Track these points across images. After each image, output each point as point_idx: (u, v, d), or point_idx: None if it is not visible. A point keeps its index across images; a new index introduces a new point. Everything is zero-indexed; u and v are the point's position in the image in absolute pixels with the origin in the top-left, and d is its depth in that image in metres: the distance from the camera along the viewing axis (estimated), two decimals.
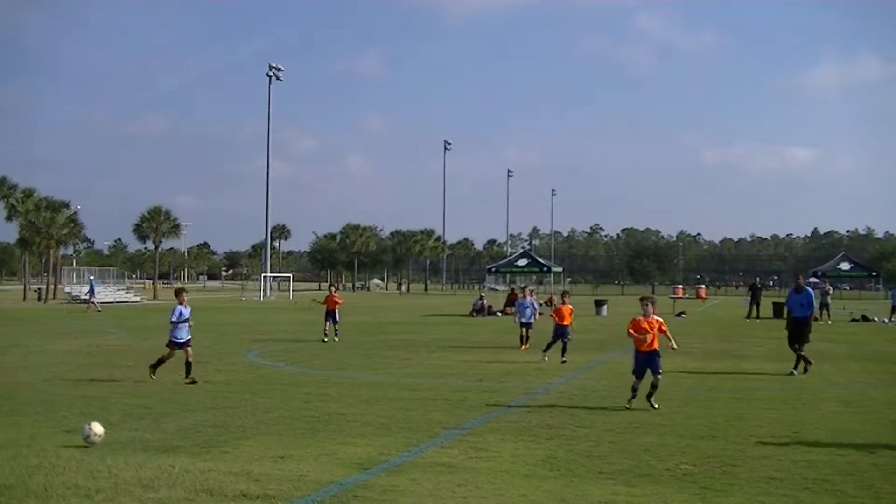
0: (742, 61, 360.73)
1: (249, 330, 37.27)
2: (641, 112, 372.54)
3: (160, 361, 18.93)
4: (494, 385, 18.50)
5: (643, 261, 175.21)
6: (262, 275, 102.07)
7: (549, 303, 56.98)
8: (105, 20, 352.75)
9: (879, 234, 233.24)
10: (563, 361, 22.77)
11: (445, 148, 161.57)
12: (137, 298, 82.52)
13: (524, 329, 27.76)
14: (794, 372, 20.41)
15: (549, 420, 13.83)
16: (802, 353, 20.93)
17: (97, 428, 11.57)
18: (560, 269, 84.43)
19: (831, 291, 53.62)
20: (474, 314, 53.32)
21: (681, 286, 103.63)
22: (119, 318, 48.03)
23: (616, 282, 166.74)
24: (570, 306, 24.49)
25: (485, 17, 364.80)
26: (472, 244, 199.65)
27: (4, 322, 44.14)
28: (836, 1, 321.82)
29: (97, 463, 10.39)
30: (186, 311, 18.97)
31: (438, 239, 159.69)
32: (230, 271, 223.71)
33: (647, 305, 15.54)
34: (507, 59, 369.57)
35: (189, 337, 18.93)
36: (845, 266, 73.57)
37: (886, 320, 47.35)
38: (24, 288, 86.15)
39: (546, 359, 23.16)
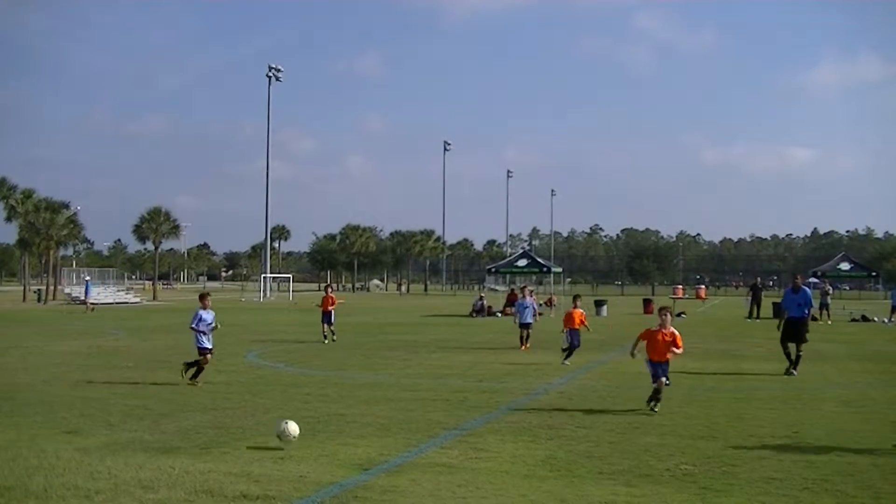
0: (742, 61, 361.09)
1: (249, 331, 37.25)
2: (641, 112, 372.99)
3: (199, 369, 18.55)
4: (494, 385, 18.49)
5: (643, 261, 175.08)
6: (262, 275, 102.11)
7: (549, 303, 57.34)
8: (105, 20, 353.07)
9: (879, 234, 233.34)
10: (564, 363, 22.62)
11: (445, 148, 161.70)
12: (137, 299, 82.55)
13: (523, 330, 27.76)
14: (794, 372, 20.40)
15: (549, 420, 13.82)
16: (800, 353, 20.92)
17: (293, 428, 11.56)
18: (560, 270, 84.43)
19: (831, 291, 53.62)
20: (474, 315, 53.32)
21: (680, 286, 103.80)
22: (119, 319, 48.02)
23: (616, 282, 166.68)
24: (582, 310, 24.18)
25: (484, 18, 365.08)
26: (472, 244, 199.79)
27: (4, 323, 44.11)
28: (836, 1, 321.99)
29: (97, 464, 10.39)
30: (208, 316, 18.71)
31: (438, 239, 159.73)
32: (230, 272, 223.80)
33: (665, 316, 15.15)
34: (506, 59, 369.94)
35: (211, 346, 18.67)
36: (845, 266, 73.56)
37: (886, 320, 47.34)
38: (24, 289, 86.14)
39: (566, 362, 22.79)
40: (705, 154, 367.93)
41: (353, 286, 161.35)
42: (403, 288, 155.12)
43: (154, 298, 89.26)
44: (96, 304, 67.28)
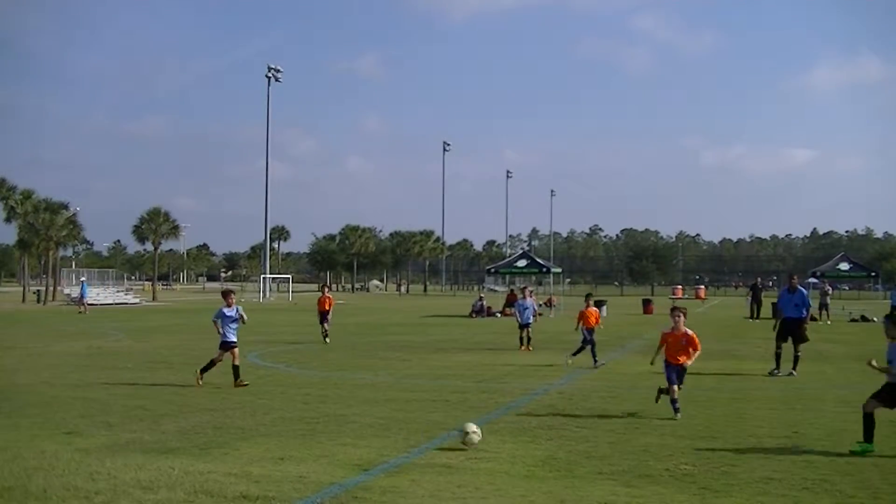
0: (741, 62, 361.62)
1: (249, 331, 37.15)
2: (641, 113, 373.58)
3: (212, 364, 18.47)
4: (494, 386, 18.49)
5: (642, 261, 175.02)
6: (262, 276, 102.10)
7: (549, 304, 57.35)
8: (105, 21, 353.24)
9: (879, 234, 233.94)
10: (569, 362, 22.45)
11: (445, 149, 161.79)
12: (137, 300, 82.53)
13: (524, 330, 27.73)
14: (794, 372, 20.38)
15: (549, 421, 13.82)
16: (799, 354, 20.91)
17: (472, 432, 11.57)
18: (559, 270, 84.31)
19: (830, 292, 53.61)
20: (474, 315, 53.35)
21: (680, 287, 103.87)
22: (118, 320, 48.01)
23: (615, 282, 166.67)
24: (595, 309, 23.83)
25: (484, 19, 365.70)
26: (472, 245, 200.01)
27: (3, 324, 44.12)
28: (836, 2, 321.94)
29: (96, 465, 10.39)
30: (230, 312, 18.63)
31: (438, 240, 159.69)
32: (229, 273, 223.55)
33: (678, 317, 14.59)
34: (506, 60, 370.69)
35: (233, 339, 18.58)
36: (844, 266, 73.36)
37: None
38: (24, 290, 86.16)
39: (602, 362, 22.51)
40: (705, 154, 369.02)
41: (353, 287, 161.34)
42: (403, 288, 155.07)
43: (154, 299, 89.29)
44: (94, 304, 67.36)
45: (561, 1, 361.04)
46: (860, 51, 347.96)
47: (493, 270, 74.00)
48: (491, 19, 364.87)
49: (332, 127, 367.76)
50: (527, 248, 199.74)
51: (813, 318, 48.77)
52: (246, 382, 18.04)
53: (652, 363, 15.18)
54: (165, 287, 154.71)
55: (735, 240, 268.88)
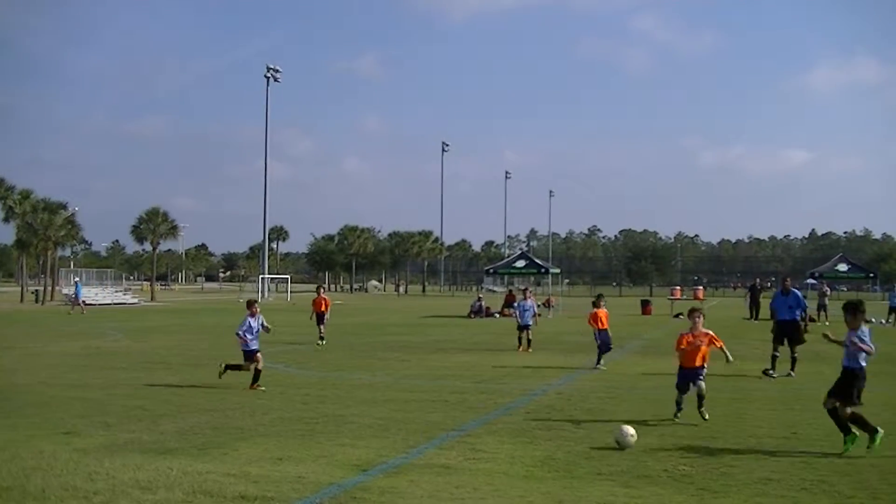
0: (740, 63, 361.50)
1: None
2: (640, 114, 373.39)
3: (256, 374, 18.20)
4: (493, 386, 18.49)
5: (641, 262, 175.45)
6: (260, 276, 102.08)
7: (548, 304, 57.33)
8: (104, 21, 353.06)
9: (877, 235, 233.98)
10: (597, 367, 22.03)
11: (443, 149, 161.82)
12: (135, 300, 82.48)
13: (524, 331, 27.66)
14: (792, 373, 20.38)
15: (548, 421, 13.83)
16: (795, 355, 20.90)
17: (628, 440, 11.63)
18: (558, 271, 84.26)
19: (829, 293, 53.61)
20: (472, 315, 53.35)
21: (679, 287, 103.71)
22: (116, 320, 47.99)
23: (614, 283, 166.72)
24: (606, 310, 23.58)
25: (483, 19, 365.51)
26: (470, 245, 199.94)
27: (2, 324, 44.12)
28: (835, 3, 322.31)
29: (95, 465, 10.39)
30: (256, 323, 18.54)
31: (436, 240, 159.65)
32: (228, 273, 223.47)
33: (697, 318, 14.18)
34: (505, 60, 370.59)
35: (258, 347, 18.46)
36: (843, 267, 73.33)
37: (884, 321, 47.38)
38: (22, 290, 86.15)
39: (604, 367, 22.11)
40: (704, 155, 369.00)
41: (352, 287, 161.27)
42: (401, 289, 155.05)
43: (152, 299, 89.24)
44: (92, 304, 67.31)
45: (561, 1, 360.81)
46: (858, 53, 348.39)
47: (491, 271, 74.02)
48: (491, 19, 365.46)
49: (332, 127, 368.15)
50: (525, 249, 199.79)
51: (811, 319, 48.94)
52: (263, 388, 17.82)
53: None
54: (164, 287, 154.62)
55: (734, 240, 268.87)
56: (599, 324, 22.90)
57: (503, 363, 23.45)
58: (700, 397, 13.83)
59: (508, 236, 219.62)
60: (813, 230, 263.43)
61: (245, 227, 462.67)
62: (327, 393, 17.30)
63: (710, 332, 14.22)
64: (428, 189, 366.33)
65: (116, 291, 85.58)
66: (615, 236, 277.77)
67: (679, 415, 13.93)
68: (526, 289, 33.74)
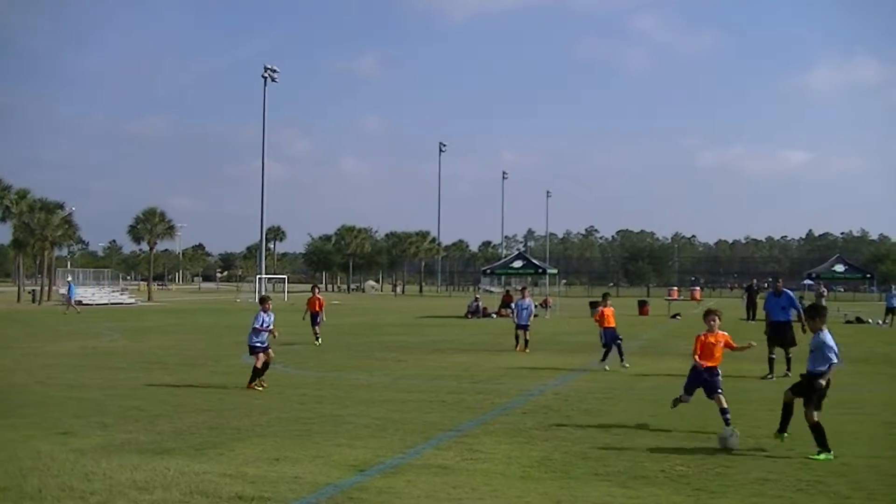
0: (739, 64, 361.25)
1: (245, 332, 37.16)
2: (638, 114, 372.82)
3: (254, 372, 18.24)
4: (490, 387, 18.50)
5: (638, 262, 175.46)
6: (257, 276, 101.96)
7: (545, 304, 57.36)
8: (102, 22, 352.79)
9: (874, 236, 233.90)
10: (625, 366, 21.88)
11: (441, 149, 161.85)
12: (132, 300, 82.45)
13: (522, 331, 27.61)
14: (788, 373, 20.35)
15: (545, 422, 13.83)
16: (790, 356, 20.88)
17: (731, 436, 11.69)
18: (555, 271, 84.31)
19: (826, 293, 53.66)
20: (469, 316, 53.37)
21: (676, 288, 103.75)
22: (114, 320, 47.97)
23: (611, 283, 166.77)
24: (613, 308, 23.44)
25: (483, 20, 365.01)
26: (468, 246, 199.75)
27: None
28: (834, 4, 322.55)
29: (92, 465, 10.38)
30: (269, 319, 18.64)
31: (434, 240, 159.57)
32: (225, 273, 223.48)
33: (713, 320, 13.65)
34: (503, 61, 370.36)
35: (267, 345, 18.52)
36: (840, 268, 73.46)
37: (881, 322, 47.43)
38: (19, 289, 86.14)
39: (607, 367, 21.90)
40: (701, 156, 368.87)
41: (349, 287, 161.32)
42: (398, 289, 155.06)
43: (149, 299, 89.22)
44: (89, 304, 67.28)
45: (560, 1, 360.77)
46: (857, 53, 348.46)
47: (488, 271, 74.03)
48: (490, 19, 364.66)
49: (330, 127, 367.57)
50: (522, 249, 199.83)
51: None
52: (260, 387, 17.89)
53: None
54: (161, 287, 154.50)
55: (731, 241, 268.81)
56: (605, 322, 22.78)
57: (500, 363, 23.44)
58: (722, 412, 12.87)
59: (506, 237, 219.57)
60: (810, 231, 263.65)
61: (242, 227, 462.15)
62: (324, 393, 17.30)
63: (727, 335, 13.71)
64: (426, 189, 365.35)
65: (113, 291, 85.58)
66: (612, 237, 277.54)
67: (675, 407, 13.65)
68: (524, 288, 33.75)
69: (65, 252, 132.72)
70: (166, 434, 12.61)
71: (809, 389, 11.81)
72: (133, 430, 12.91)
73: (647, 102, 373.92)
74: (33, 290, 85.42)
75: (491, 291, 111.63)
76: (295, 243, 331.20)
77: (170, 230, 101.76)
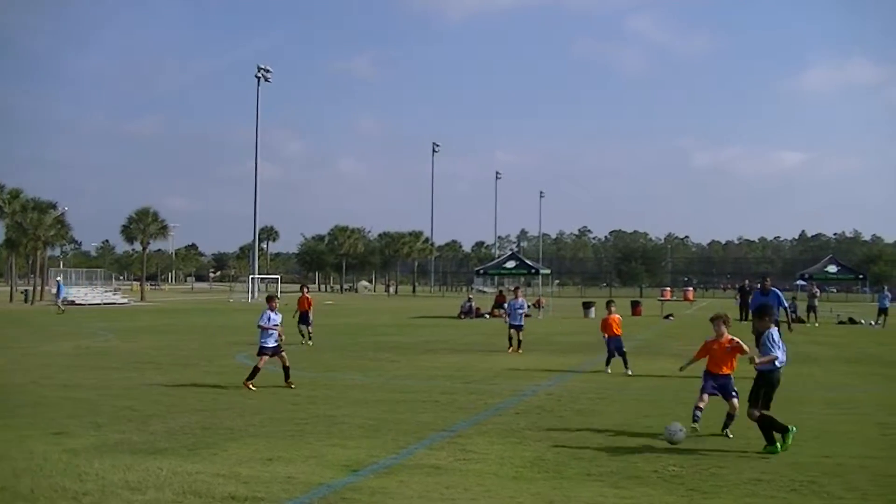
0: (733, 65, 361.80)
1: (238, 332, 37.20)
2: (632, 114, 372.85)
3: (255, 372, 18.22)
4: (483, 387, 18.50)
5: (631, 263, 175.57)
6: (250, 276, 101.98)
7: (538, 305, 57.36)
8: (98, 22, 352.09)
9: (867, 237, 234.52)
10: (628, 373, 21.04)
11: (434, 150, 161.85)
12: (125, 300, 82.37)
13: (516, 332, 27.58)
14: None
15: (538, 422, 13.84)
16: None
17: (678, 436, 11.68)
18: (548, 272, 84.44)
19: (818, 294, 53.75)
20: (462, 316, 53.37)
21: (669, 288, 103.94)
22: (107, 320, 47.91)
23: (604, 284, 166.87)
24: (618, 315, 22.62)
25: (478, 20, 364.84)
26: (461, 246, 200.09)
27: None
28: (829, 5, 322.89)
29: (85, 465, 10.37)
30: (276, 317, 18.54)
31: (427, 241, 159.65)
32: (218, 273, 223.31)
33: (720, 325, 13.19)
34: (498, 61, 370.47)
35: (277, 344, 18.43)
36: (832, 269, 73.74)
37: (873, 322, 47.54)
38: (11, 289, 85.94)
39: (608, 371, 21.41)
40: (695, 157, 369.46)
41: (342, 287, 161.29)
42: (392, 289, 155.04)
43: (142, 299, 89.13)
44: (81, 304, 67.18)
45: (557, 1, 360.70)
46: (851, 55, 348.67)
47: (481, 272, 74.06)
48: (487, 20, 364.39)
49: (326, 127, 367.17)
50: (515, 250, 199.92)
51: (801, 320, 49.13)
52: (293, 385, 18.03)
53: (682, 369, 13.93)
54: (154, 287, 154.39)
55: (724, 242, 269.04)
56: (609, 331, 22.05)
57: (494, 364, 23.44)
58: (729, 416, 12.78)
59: (499, 237, 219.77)
60: (803, 231, 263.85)
61: (236, 227, 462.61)
62: (318, 393, 17.28)
63: (736, 339, 13.19)
64: (420, 189, 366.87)
65: (106, 291, 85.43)
66: (605, 237, 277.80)
67: (698, 426, 12.62)
68: (516, 287, 33.68)
69: (57, 252, 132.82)
70: (159, 434, 12.59)
71: (756, 386, 11.87)
72: (126, 431, 12.89)
73: (643, 103, 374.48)
74: (26, 290, 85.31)
75: (484, 292, 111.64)
76: (288, 243, 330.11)
77: (163, 230, 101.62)
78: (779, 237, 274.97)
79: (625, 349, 21.85)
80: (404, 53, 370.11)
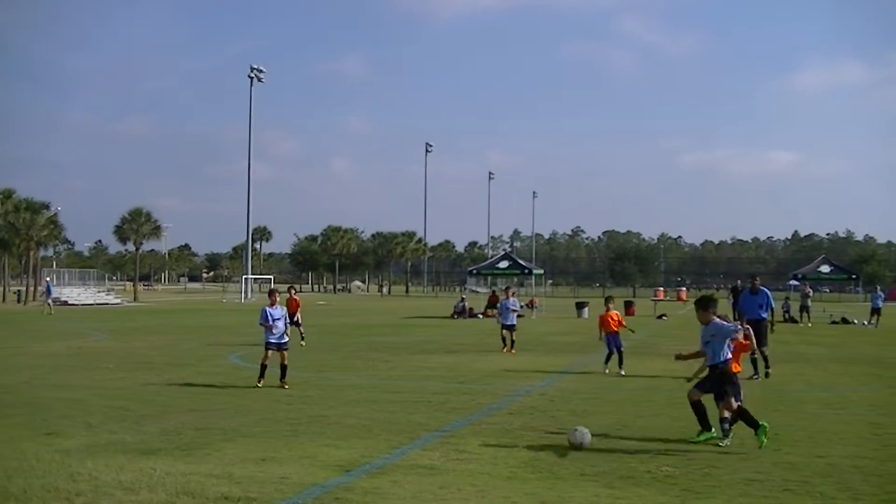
0: (724, 65, 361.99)
1: (231, 332, 37.17)
2: (624, 115, 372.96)
3: (263, 367, 18.44)
4: (476, 387, 18.50)
5: (624, 263, 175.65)
6: (243, 276, 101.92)
7: (531, 305, 57.41)
8: (90, 21, 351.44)
9: (859, 237, 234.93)
10: (620, 373, 21.00)
11: (427, 150, 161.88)
12: (118, 300, 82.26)
13: (509, 332, 27.60)
14: (757, 376, 20.13)
15: (531, 422, 13.84)
16: (766, 355, 20.75)
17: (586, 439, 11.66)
18: (541, 272, 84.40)
19: (811, 294, 53.83)
20: (455, 316, 53.44)
21: (662, 288, 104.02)
22: (99, 320, 47.84)
23: (597, 284, 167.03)
24: (617, 311, 22.69)
25: (469, 21, 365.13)
26: (454, 246, 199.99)
27: None
28: (820, 5, 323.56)
29: (77, 466, 10.35)
30: (277, 312, 18.63)
31: (420, 241, 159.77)
32: (211, 273, 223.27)
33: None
34: (491, 62, 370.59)
35: (280, 340, 18.53)
36: (825, 269, 73.73)
37: (866, 323, 47.64)
38: (4, 290, 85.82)
39: (607, 371, 21.36)
40: (687, 157, 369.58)
41: (335, 287, 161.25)
42: (385, 289, 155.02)
43: (135, 299, 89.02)
44: (74, 304, 67.05)
45: (546, 1, 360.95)
46: (843, 55, 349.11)
47: (474, 272, 74.11)
48: (476, 22, 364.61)
49: (317, 127, 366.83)
50: (508, 250, 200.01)
51: (794, 320, 49.25)
52: (286, 386, 18.03)
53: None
54: (147, 287, 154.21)
55: (717, 242, 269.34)
56: (607, 328, 22.09)
57: (487, 364, 23.44)
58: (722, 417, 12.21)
59: (492, 237, 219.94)
60: (796, 232, 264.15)
61: (229, 227, 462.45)
62: (311, 393, 17.27)
63: (738, 338, 13.07)
64: (413, 190, 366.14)
65: (99, 292, 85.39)
66: (598, 237, 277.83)
67: (728, 442, 11.95)
68: (507, 287, 33.71)
69: (50, 252, 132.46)
70: (152, 434, 12.57)
71: (720, 383, 11.86)
72: (119, 431, 12.87)
73: (633, 103, 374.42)
74: (19, 291, 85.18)
75: (477, 292, 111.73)
76: (281, 243, 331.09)
77: (156, 230, 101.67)
78: (772, 237, 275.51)
79: (623, 349, 21.84)
80: (396, 53, 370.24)
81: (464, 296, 60.93)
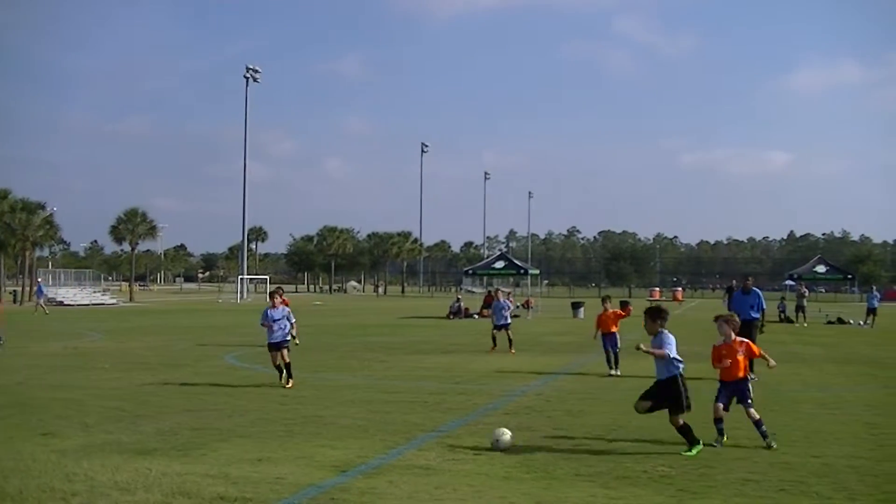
0: (721, 65, 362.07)
1: (227, 332, 37.15)
2: (621, 115, 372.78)
3: (277, 368, 18.59)
4: (472, 387, 18.50)
5: (620, 263, 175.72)
6: (239, 277, 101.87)
7: (527, 305, 57.42)
8: (91, 21, 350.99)
9: (855, 237, 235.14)
10: (614, 374, 20.93)
11: (423, 150, 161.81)
12: (114, 300, 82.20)
13: (504, 331, 27.58)
14: (755, 377, 20.09)
15: (527, 422, 13.84)
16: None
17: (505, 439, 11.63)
18: (537, 272, 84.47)
19: (807, 294, 53.89)
20: (451, 316, 53.42)
21: (658, 288, 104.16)
22: (95, 321, 47.79)
23: (593, 284, 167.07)
24: (613, 311, 22.57)
25: (467, 21, 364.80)
26: (450, 246, 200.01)
27: None
28: (817, 6, 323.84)
29: (73, 466, 10.34)
30: (277, 313, 18.66)
31: (416, 241, 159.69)
32: (207, 273, 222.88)
33: (722, 326, 12.59)
34: (487, 62, 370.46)
35: (280, 340, 18.56)
36: (821, 269, 73.99)
37: (862, 323, 47.68)
38: None
39: (615, 372, 21.09)
40: (683, 157, 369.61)
41: (331, 287, 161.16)
42: (380, 289, 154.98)
43: (130, 300, 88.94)
44: (70, 305, 66.97)
45: (544, 1, 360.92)
46: (840, 55, 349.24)
47: (470, 272, 74.11)
48: (473, 22, 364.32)
49: (314, 128, 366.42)
50: (504, 250, 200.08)
51: (789, 320, 49.29)
52: (289, 385, 18.11)
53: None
54: (142, 288, 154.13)
55: (713, 242, 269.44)
56: (604, 327, 22.12)
57: (482, 364, 23.44)
58: (757, 425, 11.97)
59: (488, 237, 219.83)
60: (791, 232, 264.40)
61: (224, 227, 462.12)
62: (306, 394, 17.26)
63: (746, 341, 12.68)
64: (409, 190, 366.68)
65: (95, 292, 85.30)
66: (594, 237, 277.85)
67: (722, 441, 11.96)
68: (497, 290, 33.76)
69: (46, 252, 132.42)
70: (148, 434, 12.56)
71: (666, 396, 11.72)
72: (115, 431, 12.86)
73: (633, 103, 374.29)
74: (14, 291, 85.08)
75: (473, 292, 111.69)
76: (277, 244, 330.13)
77: (151, 230, 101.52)
78: (767, 237, 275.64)
79: (618, 349, 21.67)
80: (395, 54, 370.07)
81: (459, 296, 60.89)
